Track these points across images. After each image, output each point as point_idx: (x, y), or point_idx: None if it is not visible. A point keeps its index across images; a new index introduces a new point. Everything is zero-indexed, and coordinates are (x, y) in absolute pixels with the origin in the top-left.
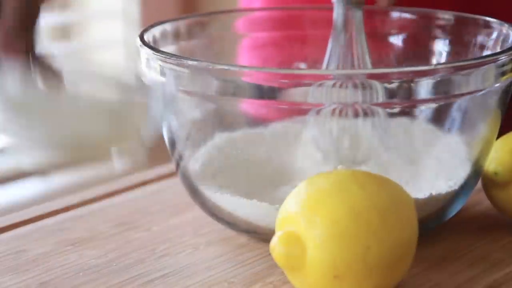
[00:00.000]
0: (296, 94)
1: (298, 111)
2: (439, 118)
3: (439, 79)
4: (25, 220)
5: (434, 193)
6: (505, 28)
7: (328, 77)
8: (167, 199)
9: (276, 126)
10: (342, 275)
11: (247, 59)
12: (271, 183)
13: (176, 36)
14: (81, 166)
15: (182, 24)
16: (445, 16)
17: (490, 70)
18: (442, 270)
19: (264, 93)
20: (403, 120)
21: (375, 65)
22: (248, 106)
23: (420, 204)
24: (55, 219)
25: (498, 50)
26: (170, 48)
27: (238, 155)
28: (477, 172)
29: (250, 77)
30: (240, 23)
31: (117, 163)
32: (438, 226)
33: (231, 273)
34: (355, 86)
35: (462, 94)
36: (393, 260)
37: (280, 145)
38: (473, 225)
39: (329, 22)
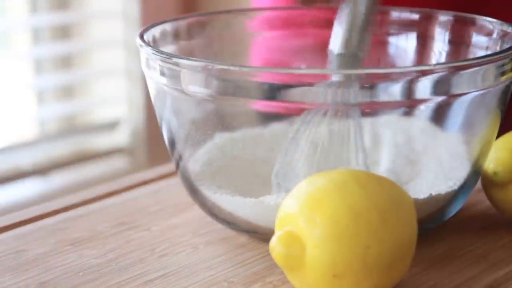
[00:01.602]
0: (295, 94)
1: (299, 110)
2: (438, 118)
3: (438, 79)
4: (25, 220)
5: (433, 193)
6: (505, 28)
7: (326, 78)
8: (167, 199)
9: (276, 126)
10: (342, 275)
11: (259, 58)
12: (270, 183)
13: (176, 36)
14: None
15: (182, 24)
16: (445, 16)
17: (490, 70)
18: (442, 269)
19: (264, 93)
20: (403, 120)
21: (375, 65)
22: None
23: (420, 204)
24: (55, 219)
25: (498, 50)
26: (170, 48)
27: (238, 155)
28: (476, 172)
29: (251, 77)
30: (252, 22)
31: None
32: (438, 226)
33: (231, 272)
34: (354, 86)
35: (462, 94)
36: (393, 260)
37: (279, 145)
38: (473, 225)
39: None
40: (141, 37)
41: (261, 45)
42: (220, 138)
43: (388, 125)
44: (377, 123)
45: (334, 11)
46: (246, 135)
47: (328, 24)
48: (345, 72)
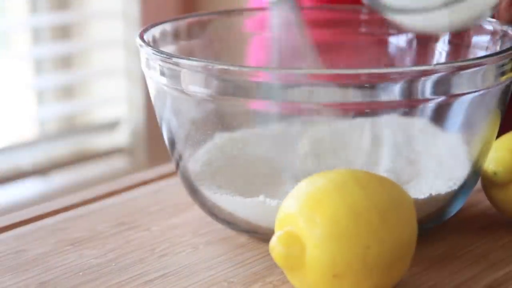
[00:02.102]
0: (295, 94)
1: (298, 110)
2: (438, 118)
3: (438, 78)
4: (25, 220)
5: (433, 193)
6: (505, 28)
7: (327, 78)
8: (167, 199)
9: (276, 126)
10: (342, 275)
11: (255, 58)
12: (270, 183)
13: (176, 36)
14: None
15: (182, 24)
16: None
17: (490, 70)
18: (442, 269)
19: (264, 93)
20: (403, 120)
21: (375, 65)
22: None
23: (419, 204)
24: (54, 219)
25: (498, 50)
26: (170, 48)
27: (238, 155)
28: (476, 172)
29: (251, 77)
30: (248, 22)
31: None
32: (438, 226)
33: (231, 273)
34: (355, 86)
35: (462, 94)
36: (393, 259)
37: (280, 145)
38: (473, 225)
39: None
40: (141, 37)
41: (260, 45)
42: (220, 138)
43: (388, 125)
44: (377, 123)
45: (333, 12)
46: (246, 135)
47: (327, 24)
48: (344, 72)
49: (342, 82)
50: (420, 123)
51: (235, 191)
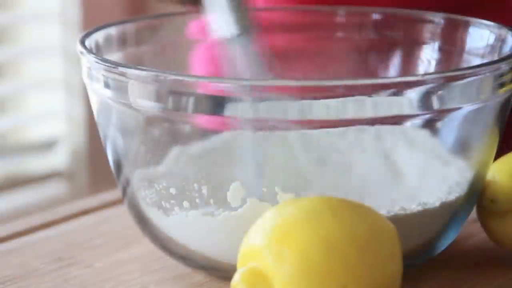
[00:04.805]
0: (262, 109)
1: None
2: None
3: (427, 91)
4: None
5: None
6: (503, 32)
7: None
8: (111, 231)
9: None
10: None
11: (204, 68)
12: (225, 199)
13: (123, 41)
14: None
15: (129, 28)
16: (435, 18)
17: (487, 81)
18: None
19: (223, 107)
20: (388, 139)
21: (353, 75)
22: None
23: (406, 233)
24: None
25: (496, 57)
26: (115, 56)
27: (191, 175)
28: (471, 199)
29: (208, 90)
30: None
31: None
32: (427, 262)
33: None
34: (329, 99)
35: (454, 109)
36: None
37: (230, 160)
38: (467, 260)
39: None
40: (82, 43)
41: (205, 57)
42: (173, 159)
43: (365, 143)
44: (359, 137)
45: (306, 14)
46: (202, 152)
47: (299, 28)
48: (316, 83)
49: (315, 94)
50: (403, 143)
51: (189, 209)
